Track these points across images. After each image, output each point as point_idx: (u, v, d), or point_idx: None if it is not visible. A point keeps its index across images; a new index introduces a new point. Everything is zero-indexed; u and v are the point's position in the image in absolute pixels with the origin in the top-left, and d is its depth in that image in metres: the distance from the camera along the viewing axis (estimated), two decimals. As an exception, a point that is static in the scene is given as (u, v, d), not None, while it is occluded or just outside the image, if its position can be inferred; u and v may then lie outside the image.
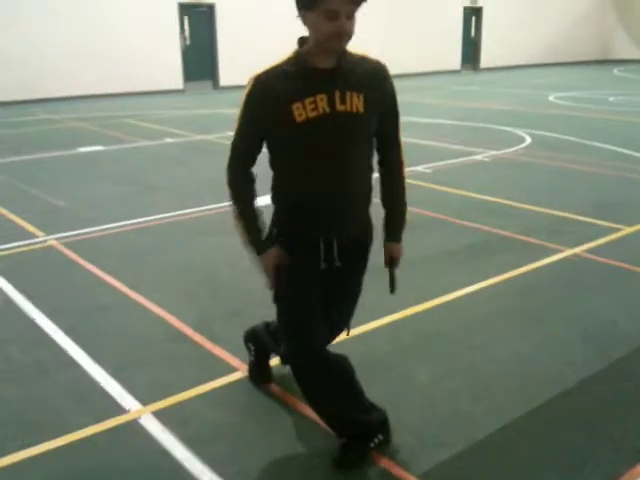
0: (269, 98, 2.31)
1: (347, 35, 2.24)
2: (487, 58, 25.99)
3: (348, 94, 2.33)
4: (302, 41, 2.36)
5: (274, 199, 2.56)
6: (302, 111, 2.30)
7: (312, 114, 2.30)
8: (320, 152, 2.38)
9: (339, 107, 2.32)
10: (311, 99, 2.30)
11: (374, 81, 2.41)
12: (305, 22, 2.26)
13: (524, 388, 3.23)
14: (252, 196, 2.54)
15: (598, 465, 2.66)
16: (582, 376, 3.32)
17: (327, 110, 2.31)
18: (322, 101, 2.31)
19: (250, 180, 2.53)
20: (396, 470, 2.63)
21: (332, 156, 2.38)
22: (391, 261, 2.74)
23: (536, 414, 3.01)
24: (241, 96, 2.37)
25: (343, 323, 2.79)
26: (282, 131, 2.36)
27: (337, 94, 2.32)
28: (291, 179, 2.48)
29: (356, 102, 2.34)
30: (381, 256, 2.74)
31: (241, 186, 2.53)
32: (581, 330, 3.83)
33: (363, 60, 2.42)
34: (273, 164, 2.50)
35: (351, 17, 2.22)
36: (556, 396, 3.15)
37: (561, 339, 3.74)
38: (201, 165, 8.58)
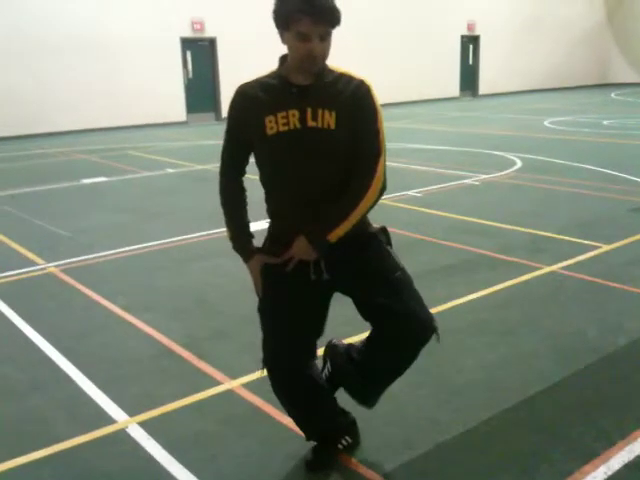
0: (247, 109, 2.44)
1: (320, 57, 2.30)
2: (485, 85, 26.38)
3: (320, 111, 2.37)
4: (284, 58, 2.46)
5: (267, 211, 2.64)
6: (274, 124, 2.37)
7: (283, 128, 2.37)
8: (290, 167, 2.43)
9: (310, 123, 2.37)
10: (283, 113, 2.37)
11: (350, 98, 2.39)
12: (283, 41, 2.35)
13: (489, 396, 3.39)
14: (241, 202, 2.61)
15: (553, 464, 2.82)
16: (546, 384, 3.48)
17: (298, 126, 2.37)
18: (294, 117, 2.37)
19: (240, 188, 2.61)
20: (363, 470, 2.81)
21: (302, 171, 2.42)
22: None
23: (498, 420, 3.17)
24: None
25: (402, 306, 2.60)
26: (256, 143, 2.47)
27: (309, 110, 2.37)
28: (269, 193, 2.58)
29: (327, 118, 2.37)
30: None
31: (230, 192, 2.61)
32: (550, 341, 4.00)
33: (344, 77, 2.43)
34: (260, 177, 2.56)
35: (325, 39, 2.29)
36: (519, 403, 3.31)
37: (529, 350, 3.91)
38: (198, 193, 8.86)
